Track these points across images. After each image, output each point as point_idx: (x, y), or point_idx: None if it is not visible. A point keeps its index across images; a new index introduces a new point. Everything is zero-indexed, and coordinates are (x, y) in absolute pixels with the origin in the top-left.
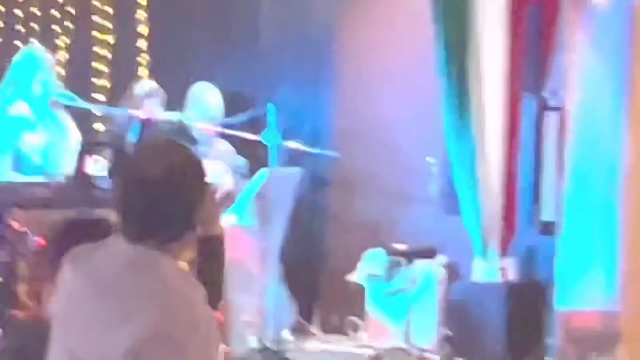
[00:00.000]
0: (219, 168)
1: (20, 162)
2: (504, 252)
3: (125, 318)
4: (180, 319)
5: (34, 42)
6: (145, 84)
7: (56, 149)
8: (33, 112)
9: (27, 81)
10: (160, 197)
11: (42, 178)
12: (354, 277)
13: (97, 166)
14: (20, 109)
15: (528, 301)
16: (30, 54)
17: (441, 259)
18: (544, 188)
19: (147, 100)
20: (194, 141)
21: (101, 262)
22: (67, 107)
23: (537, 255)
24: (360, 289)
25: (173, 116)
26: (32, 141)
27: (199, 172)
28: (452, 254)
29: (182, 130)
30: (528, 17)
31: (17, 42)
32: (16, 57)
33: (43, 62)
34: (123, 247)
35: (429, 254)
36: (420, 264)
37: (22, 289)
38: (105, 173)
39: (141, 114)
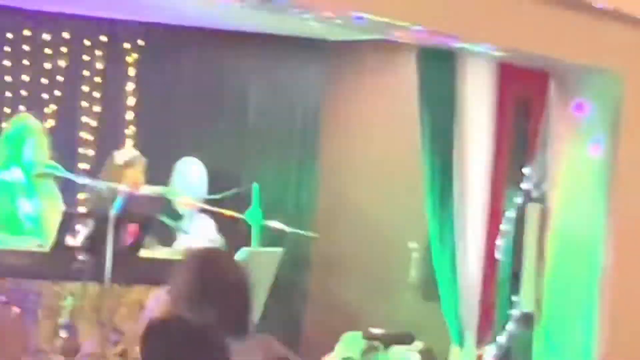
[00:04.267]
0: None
1: (13, 227)
2: (481, 341)
3: None
4: None
5: (24, 110)
6: (125, 153)
7: (46, 217)
8: (26, 179)
9: (19, 149)
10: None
11: (32, 245)
12: (330, 359)
13: (78, 238)
14: (14, 175)
15: None
16: (22, 123)
17: (418, 345)
18: (523, 279)
19: (128, 170)
20: (177, 216)
21: None
22: (52, 176)
23: (515, 346)
24: None
25: (156, 190)
26: (25, 207)
27: None
28: (429, 341)
29: (164, 204)
30: (514, 108)
31: (6, 109)
32: (8, 125)
33: (34, 131)
34: None
35: (406, 339)
36: (396, 349)
37: None
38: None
39: (124, 187)
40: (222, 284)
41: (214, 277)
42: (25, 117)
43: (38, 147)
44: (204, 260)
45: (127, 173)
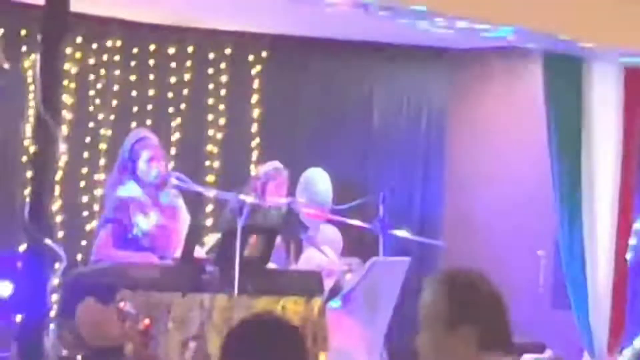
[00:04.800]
0: (328, 254)
1: (130, 243)
2: (612, 349)
3: None
4: None
5: (142, 126)
6: (266, 166)
7: (166, 230)
8: (144, 193)
9: (136, 163)
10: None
11: (151, 259)
12: None
13: (206, 249)
14: (131, 190)
15: None
16: (137, 137)
17: (549, 353)
18: None
19: (269, 182)
20: (303, 227)
21: None
22: (179, 188)
23: None
24: None
25: (282, 201)
26: (142, 222)
27: None
28: (559, 349)
29: (291, 215)
30: None
31: (133, 123)
32: (125, 140)
33: (151, 145)
34: None
35: (537, 348)
36: (527, 358)
37: None
38: (212, 256)
39: (250, 198)
40: (489, 301)
41: (482, 294)
42: (139, 131)
43: (157, 161)
44: (468, 278)
45: (268, 186)
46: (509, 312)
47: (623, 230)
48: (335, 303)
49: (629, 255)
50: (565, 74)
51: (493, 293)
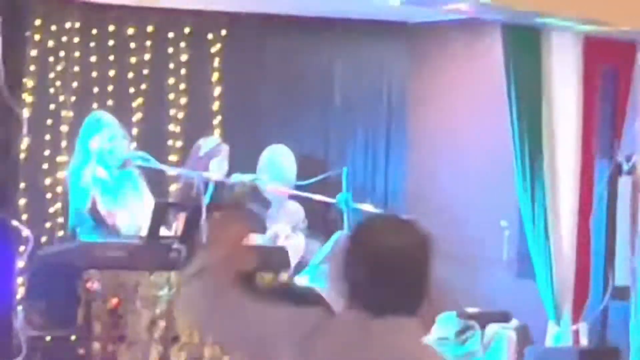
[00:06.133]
0: (287, 228)
1: (96, 225)
2: (577, 316)
3: None
4: None
5: (103, 107)
6: (207, 142)
7: (131, 210)
8: (107, 175)
9: (96, 145)
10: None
11: (117, 239)
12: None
13: (172, 227)
14: (94, 172)
15: None
16: (94, 119)
17: (514, 323)
18: (617, 252)
19: (211, 159)
20: (266, 203)
21: (342, 335)
22: (141, 168)
23: (611, 320)
24: None
25: (246, 178)
26: (106, 203)
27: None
28: (524, 318)
29: (254, 192)
30: (601, 81)
31: (94, 104)
32: (83, 124)
33: (109, 126)
34: (365, 320)
35: (501, 318)
36: (492, 327)
37: (95, 347)
38: (179, 234)
39: (213, 175)
40: (382, 257)
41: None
42: (97, 113)
43: (114, 141)
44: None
45: (210, 163)
46: (413, 273)
47: (585, 199)
48: (302, 278)
49: (591, 229)
50: (524, 44)
51: (399, 249)
